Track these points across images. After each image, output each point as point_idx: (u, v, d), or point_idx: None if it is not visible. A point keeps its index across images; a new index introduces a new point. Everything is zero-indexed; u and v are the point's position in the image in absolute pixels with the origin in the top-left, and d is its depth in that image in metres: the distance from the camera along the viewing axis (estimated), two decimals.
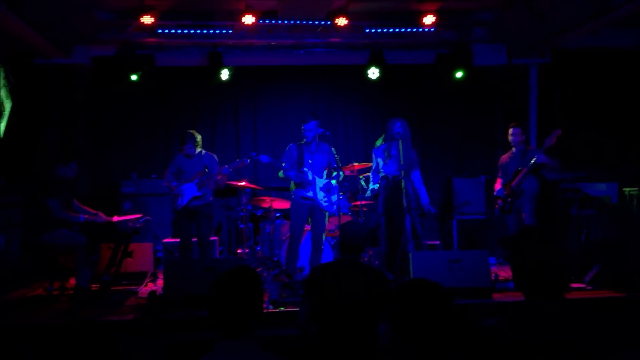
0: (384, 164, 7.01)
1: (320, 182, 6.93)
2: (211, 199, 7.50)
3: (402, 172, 6.78)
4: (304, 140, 6.95)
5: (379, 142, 7.32)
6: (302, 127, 6.91)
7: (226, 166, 7.28)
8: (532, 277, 2.36)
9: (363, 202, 7.87)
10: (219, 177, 7.39)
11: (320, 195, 6.90)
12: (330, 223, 7.41)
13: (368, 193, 7.32)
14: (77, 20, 7.81)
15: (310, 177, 6.88)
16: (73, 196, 7.09)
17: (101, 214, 6.99)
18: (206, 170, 7.32)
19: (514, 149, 7.50)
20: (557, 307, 2.32)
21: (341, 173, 6.94)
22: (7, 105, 7.05)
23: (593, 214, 7.36)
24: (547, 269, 2.35)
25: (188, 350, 5.17)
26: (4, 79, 6.91)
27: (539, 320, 2.28)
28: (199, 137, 7.42)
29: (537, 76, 9.65)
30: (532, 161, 7.10)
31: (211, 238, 7.90)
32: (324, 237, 7.09)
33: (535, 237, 2.45)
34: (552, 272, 2.35)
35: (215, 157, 7.55)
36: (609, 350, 2.22)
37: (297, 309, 4.04)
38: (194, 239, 7.36)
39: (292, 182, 7.03)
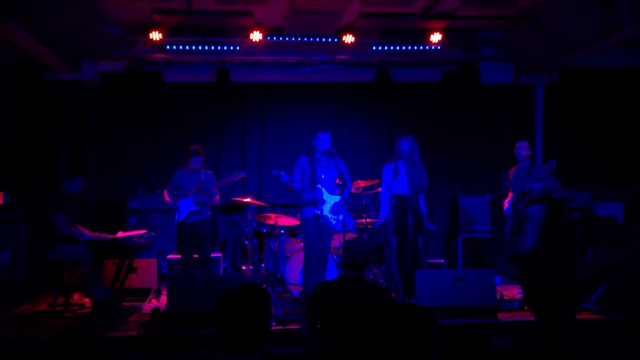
0: (393, 183, 6.99)
1: (330, 199, 6.91)
2: (209, 215, 7.54)
3: (412, 191, 6.76)
4: (317, 151, 6.92)
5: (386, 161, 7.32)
6: (317, 135, 6.87)
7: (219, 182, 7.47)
8: (544, 297, 2.35)
9: (368, 220, 7.86)
10: (216, 194, 7.45)
11: (330, 213, 6.88)
12: (334, 240, 7.39)
13: (377, 222, 7.28)
14: (87, 36, 7.86)
15: (322, 195, 6.86)
16: (79, 212, 7.12)
17: (104, 235, 7.03)
18: (202, 184, 7.36)
19: (520, 164, 7.49)
20: (567, 327, 2.30)
21: (348, 190, 6.92)
22: None
23: (599, 233, 7.33)
24: (559, 289, 2.33)
25: None
26: None
27: (550, 340, 2.26)
28: (204, 157, 7.51)
29: (544, 95, 9.65)
30: (531, 190, 7.10)
31: (215, 254, 7.91)
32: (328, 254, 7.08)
33: (547, 256, 2.44)
34: (564, 293, 2.33)
35: (213, 176, 7.63)
36: None
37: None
38: (195, 255, 7.37)
39: (302, 199, 6.98)
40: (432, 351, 2.18)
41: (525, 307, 6.17)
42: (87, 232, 6.96)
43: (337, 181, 6.87)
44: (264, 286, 7.27)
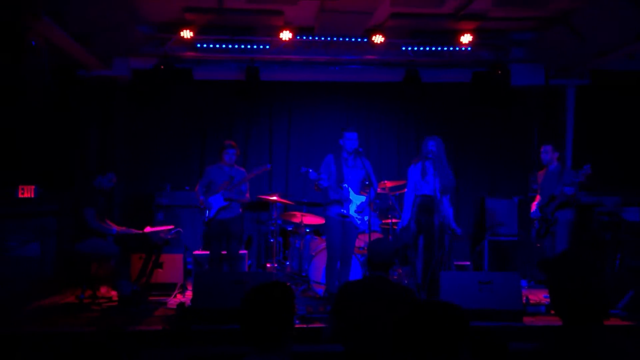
0: (420, 183, 6.96)
1: (357, 199, 6.91)
2: (240, 212, 7.57)
3: (438, 192, 6.72)
4: (343, 151, 6.93)
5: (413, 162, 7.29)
6: (344, 135, 6.85)
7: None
8: (571, 302, 2.32)
9: (394, 220, 7.84)
10: (247, 191, 7.48)
11: (355, 212, 6.88)
12: (359, 240, 7.39)
13: (399, 224, 7.24)
14: (119, 33, 7.96)
15: (348, 194, 6.86)
16: (109, 207, 7.21)
17: (132, 230, 7.11)
18: (232, 179, 7.41)
19: (549, 167, 7.42)
20: (596, 334, 2.27)
21: (374, 190, 6.90)
22: None
23: (628, 238, 7.23)
24: (587, 295, 2.31)
25: None
26: None
27: (578, 346, 2.24)
28: (238, 151, 7.55)
29: (574, 97, 9.54)
30: (562, 194, 7.01)
31: (241, 252, 7.96)
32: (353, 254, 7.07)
33: (575, 261, 2.41)
34: (592, 298, 2.31)
35: (245, 173, 7.65)
36: None
37: (325, 325, 4.04)
38: (224, 252, 7.42)
39: (329, 198, 6.98)
40: (462, 349, 2.15)
41: (552, 312, 6.12)
42: (115, 227, 7.07)
43: (364, 182, 6.89)
44: (288, 284, 7.31)
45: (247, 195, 7.54)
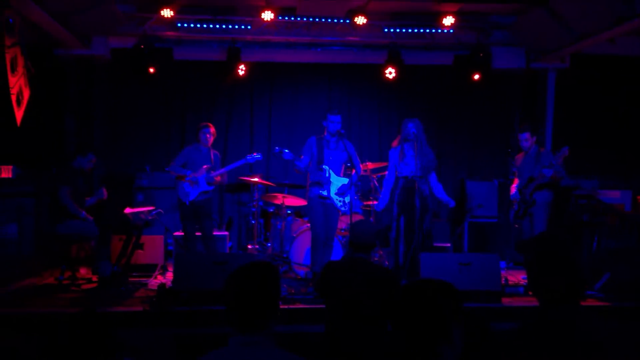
0: (400, 165, 6.97)
1: (337, 181, 6.92)
2: (212, 195, 7.71)
3: (419, 173, 6.74)
4: (326, 133, 6.94)
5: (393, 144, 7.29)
6: (327, 117, 6.86)
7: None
8: (549, 283, 2.35)
9: (375, 202, 7.86)
10: (218, 179, 7.48)
11: (336, 195, 6.90)
12: (341, 222, 7.41)
13: (378, 205, 7.24)
14: (98, 11, 7.84)
15: (328, 175, 6.87)
16: (89, 188, 7.15)
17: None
18: (213, 164, 7.42)
19: (529, 150, 7.47)
20: (573, 314, 2.31)
21: (357, 173, 6.91)
22: (25, 94, 7.12)
23: (605, 221, 7.32)
24: (564, 276, 2.34)
25: (198, 343, 5.20)
26: (24, 67, 6.97)
27: (555, 327, 2.27)
28: (214, 131, 7.53)
29: (555, 81, 9.60)
30: (541, 176, 7.05)
31: (222, 233, 7.99)
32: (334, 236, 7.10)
33: (552, 242, 2.44)
34: (569, 279, 2.34)
35: (220, 157, 7.74)
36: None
37: (306, 306, 4.07)
38: (198, 233, 7.44)
39: (309, 180, 7.02)
40: (456, 329, 2.13)
41: (530, 293, 6.20)
42: (84, 213, 6.96)
43: (343, 167, 6.93)
44: (274, 264, 7.32)
45: (219, 177, 7.56)
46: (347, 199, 6.89)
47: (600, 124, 9.53)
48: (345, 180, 6.92)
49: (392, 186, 7.00)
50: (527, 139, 7.36)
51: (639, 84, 9.47)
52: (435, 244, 8.22)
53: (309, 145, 7.01)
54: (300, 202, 8.11)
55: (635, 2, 6.84)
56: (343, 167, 7.04)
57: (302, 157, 6.91)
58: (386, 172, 7.21)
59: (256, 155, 7.69)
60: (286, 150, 6.77)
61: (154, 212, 7.33)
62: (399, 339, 2.14)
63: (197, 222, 7.48)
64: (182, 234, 7.58)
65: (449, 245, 8.74)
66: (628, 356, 2.20)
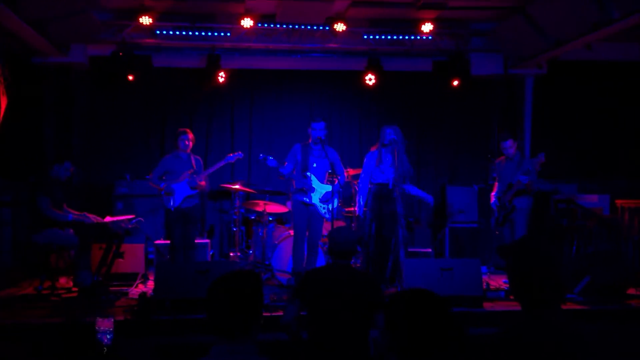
0: (375, 171, 6.97)
1: (321, 188, 6.93)
2: (199, 200, 7.59)
3: (395, 180, 6.76)
4: (310, 140, 6.93)
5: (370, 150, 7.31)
6: (311, 125, 6.88)
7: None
8: (530, 287, 2.37)
9: (356, 208, 7.86)
10: (203, 183, 7.44)
11: (319, 202, 6.91)
12: (323, 228, 7.41)
13: (357, 210, 7.24)
14: (76, 19, 7.77)
15: (311, 183, 6.87)
16: (66, 197, 7.07)
17: (89, 215, 6.97)
18: (194, 168, 7.38)
19: (508, 156, 7.52)
20: (553, 318, 2.33)
21: (341, 180, 6.92)
22: (2, 103, 7.04)
23: (584, 225, 7.39)
24: (544, 280, 2.36)
25: (180, 352, 5.16)
26: (1, 75, 6.90)
27: (536, 331, 2.29)
28: (192, 137, 7.48)
29: (532, 87, 9.70)
30: (519, 182, 7.11)
31: (203, 241, 7.93)
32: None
33: (533, 247, 2.46)
34: (550, 283, 2.36)
35: (202, 162, 7.64)
36: None
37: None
38: None
39: (294, 187, 7.02)
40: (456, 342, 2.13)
41: (511, 297, 6.23)
42: (72, 213, 6.92)
43: (327, 174, 6.94)
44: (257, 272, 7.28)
45: (202, 182, 7.49)
46: (330, 207, 6.90)
47: (578, 129, 9.64)
48: (329, 188, 6.93)
49: (367, 191, 7.01)
50: (511, 146, 7.40)
51: (615, 89, 9.60)
52: (416, 249, 8.27)
53: (293, 152, 7.02)
54: (281, 209, 8.10)
55: (611, 9, 6.94)
56: (327, 175, 7.05)
57: (286, 163, 6.92)
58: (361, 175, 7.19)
59: (237, 154, 7.62)
60: (270, 157, 6.78)
61: (134, 221, 7.27)
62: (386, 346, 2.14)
63: (183, 229, 7.40)
64: (163, 242, 7.52)
65: (430, 250, 8.78)
66: (609, 358, 2.22)
